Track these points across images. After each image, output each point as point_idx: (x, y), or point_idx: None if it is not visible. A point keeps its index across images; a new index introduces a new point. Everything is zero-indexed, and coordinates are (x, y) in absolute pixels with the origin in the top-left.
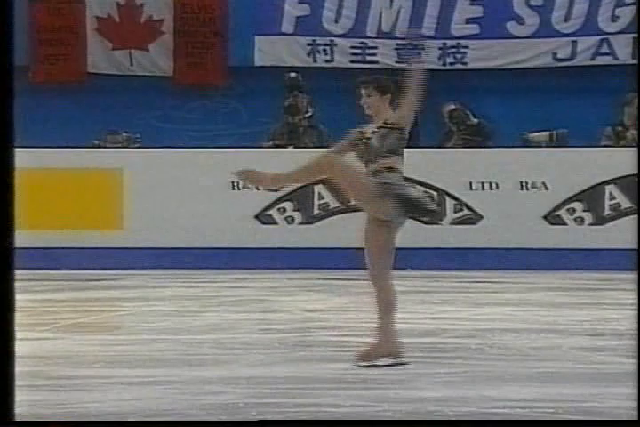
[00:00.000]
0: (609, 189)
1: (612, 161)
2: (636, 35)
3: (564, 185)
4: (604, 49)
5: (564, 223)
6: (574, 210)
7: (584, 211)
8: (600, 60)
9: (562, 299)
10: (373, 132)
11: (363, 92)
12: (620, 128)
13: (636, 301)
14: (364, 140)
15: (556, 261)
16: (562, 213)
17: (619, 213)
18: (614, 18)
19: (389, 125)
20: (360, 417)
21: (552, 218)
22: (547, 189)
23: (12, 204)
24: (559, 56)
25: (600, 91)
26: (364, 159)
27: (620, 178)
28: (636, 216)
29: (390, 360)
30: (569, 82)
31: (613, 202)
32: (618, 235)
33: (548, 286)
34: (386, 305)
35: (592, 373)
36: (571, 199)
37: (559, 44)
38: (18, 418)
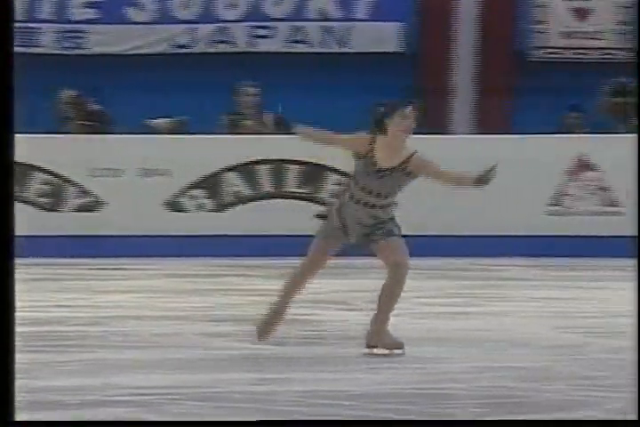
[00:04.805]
0: (229, 175)
1: (232, 148)
2: (253, 23)
3: (185, 172)
4: (223, 37)
5: (186, 210)
6: (196, 196)
7: (205, 198)
8: (218, 48)
9: (183, 285)
10: (392, 171)
11: (411, 114)
12: (235, 117)
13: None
14: (387, 170)
15: (177, 247)
16: (184, 199)
17: (239, 199)
18: (233, 6)
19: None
20: None
21: (174, 205)
22: (169, 175)
23: (12, 194)
24: (178, 43)
25: (218, 79)
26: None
27: (240, 165)
28: (255, 203)
29: (385, 351)
30: (189, 69)
31: (234, 189)
32: (238, 221)
33: (169, 272)
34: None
35: (214, 358)
36: (192, 186)
37: (178, 30)
38: None
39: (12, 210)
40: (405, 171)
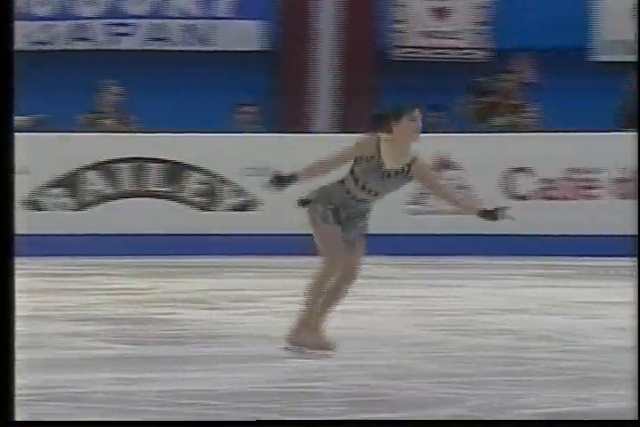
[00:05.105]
0: (89, 174)
1: (92, 147)
2: (113, 20)
3: (44, 170)
4: (82, 34)
5: (46, 209)
6: (55, 195)
7: (65, 196)
8: (77, 46)
9: (44, 285)
10: (397, 173)
11: (419, 117)
12: (95, 115)
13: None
14: (392, 172)
15: (37, 246)
16: (43, 198)
17: (99, 198)
18: (92, 3)
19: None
20: None
21: (33, 203)
22: (27, 174)
23: (12, 194)
24: (36, 40)
25: (78, 76)
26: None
27: (100, 164)
28: (116, 202)
29: (315, 350)
30: (47, 66)
31: (94, 188)
32: (99, 220)
33: (29, 272)
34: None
35: (75, 358)
36: (52, 185)
37: (35, 27)
38: None
39: (12, 210)
40: (409, 174)
